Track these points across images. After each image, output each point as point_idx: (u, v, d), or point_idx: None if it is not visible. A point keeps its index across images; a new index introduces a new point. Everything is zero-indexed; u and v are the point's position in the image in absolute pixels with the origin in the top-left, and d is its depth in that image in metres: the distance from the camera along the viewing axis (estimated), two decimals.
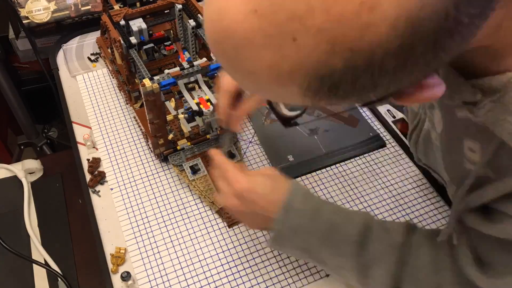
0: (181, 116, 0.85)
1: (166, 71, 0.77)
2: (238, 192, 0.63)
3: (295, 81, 0.32)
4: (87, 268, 0.82)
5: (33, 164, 0.95)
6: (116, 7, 0.88)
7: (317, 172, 0.89)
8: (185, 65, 0.77)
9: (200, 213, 0.83)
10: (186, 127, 0.83)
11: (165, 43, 0.91)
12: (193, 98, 0.77)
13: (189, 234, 0.80)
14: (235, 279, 0.75)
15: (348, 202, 0.85)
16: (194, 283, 0.75)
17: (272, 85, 0.34)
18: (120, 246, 0.78)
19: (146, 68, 0.79)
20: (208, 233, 0.80)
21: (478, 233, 0.54)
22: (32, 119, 1.48)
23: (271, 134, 0.94)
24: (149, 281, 0.75)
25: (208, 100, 0.77)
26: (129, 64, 0.85)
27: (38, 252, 0.83)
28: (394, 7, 0.28)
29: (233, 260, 0.77)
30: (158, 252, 0.78)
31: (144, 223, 0.82)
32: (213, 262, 0.77)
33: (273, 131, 0.94)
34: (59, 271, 0.81)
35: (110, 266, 0.76)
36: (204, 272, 0.76)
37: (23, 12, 1.13)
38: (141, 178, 0.88)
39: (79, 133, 0.95)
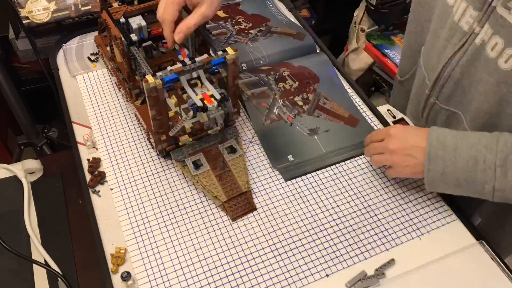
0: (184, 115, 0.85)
1: (169, 67, 0.77)
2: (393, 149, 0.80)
3: None
4: (87, 268, 0.82)
5: (33, 164, 0.95)
6: (115, 4, 0.88)
7: (317, 172, 0.89)
8: (187, 61, 0.78)
9: (200, 213, 0.83)
10: (187, 123, 0.84)
11: (163, 41, 0.91)
12: (197, 94, 0.78)
13: (189, 234, 0.80)
14: (235, 279, 0.75)
15: (348, 202, 0.85)
16: (194, 283, 0.75)
17: None
18: (120, 246, 0.78)
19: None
20: (208, 233, 0.81)
21: None
22: (32, 119, 1.48)
23: (271, 134, 0.94)
24: (149, 281, 0.75)
25: (212, 96, 0.77)
26: (129, 61, 0.85)
27: (38, 252, 0.83)
28: None
29: (233, 260, 0.77)
30: (158, 252, 0.78)
31: (144, 223, 0.82)
32: (213, 262, 0.77)
33: (273, 131, 0.94)
34: (59, 271, 0.81)
35: (110, 266, 0.76)
36: (204, 272, 0.76)
37: (23, 12, 1.13)
38: (141, 178, 0.88)
39: (79, 133, 0.95)
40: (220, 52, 0.79)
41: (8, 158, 1.59)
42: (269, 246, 0.79)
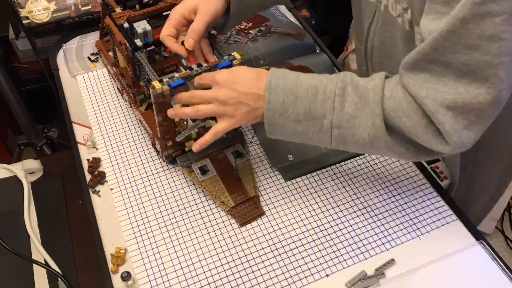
0: (191, 122, 0.85)
1: (176, 74, 0.77)
2: (221, 80, 0.71)
3: None
4: (87, 268, 0.82)
5: (33, 164, 0.95)
6: (118, 9, 0.88)
7: (317, 172, 0.89)
8: (194, 66, 0.77)
9: (200, 213, 0.83)
10: (193, 130, 0.83)
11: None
12: None
13: (189, 234, 0.80)
14: (235, 279, 0.75)
15: (348, 202, 0.85)
16: (194, 283, 0.75)
17: None
18: (120, 246, 0.78)
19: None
20: (208, 233, 0.81)
21: None
22: (32, 119, 1.48)
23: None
24: (149, 281, 0.75)
25: None
26: (134, 67, 0.84)
27: (38, 252, 0.83)
28: None
29: (233, 260, 0.77)
30: (158, 252, 0.78)
31: (144, 223, 0.82)
32: (213, 262, 0.77)
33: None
34: (59, 271, 0.81)
35: (110, 266, 0.76)
36: (204, 272, 0.76)
37: (23, 12, 1.13)
38: (141, 178, 0.88)
39: (79, 133, 0.95)
40: (226, 56, 0.78)
41: (8, 158, 1.59)
42: (269, 246, 0.79)
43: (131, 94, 0.90)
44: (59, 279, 0.80)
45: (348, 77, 0.68)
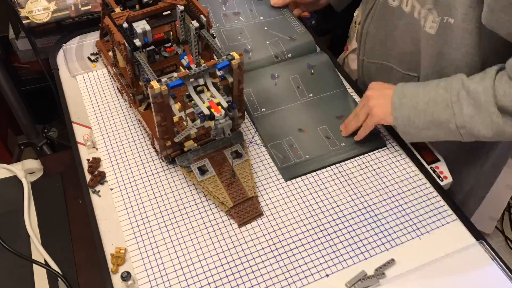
0: (190, 122, 0.85)
1: (175, 74, 0.77)
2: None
3: None
4: (87, 268, 0.82)
5: (33, 164, 0.95)
6: (117, 9, 0.88)
7: (317, 172, 0.89)
8: (193, 66, 0.77)
9: (200, 213, 0.83)
10: (192, 130, 0.83)
11: (166, 45, 0.91)
12: (203, 102, 0.77)
13: (189, 234, 0.80)
14: (235, 279, 0.75)
15: (348, 202, 0.85)
16: (194, 283, 0.75)
17: None
18: (120, 246, 0.78)
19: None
20: (208, 233, 0.81)
21: None
22: (32, 119, 1.48)
23: (273, 135, 0.94)
24: (149, 281, 0.75)
25: (219, 104, 0.76)
26: (133, 67, 0.84)
27: (38, 252, 0.83)
28: None
29: (233, 260, 0.77)
30: (158, 252, 0.78)
31: (144, 223, 0.82)
32: (213, 262, 0.77)
33: (276, 131, 0.94)
34: (59, 271, 0.81)
35: (110, 266, 0.76)
36: (204, 272, 0.76)
37: (23, 12, 1.13)
38: (141, 178, 0.88)
39: (79, 133, 0.95)
40: (225, 56, 0.78)
41: (8, 158, 1.59)
42: (269, 246, 0.79)
43: (130, 94, 0.90)
44: (59, 279, 0.80)
45: (460, 83, 0.77)
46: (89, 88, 1.04)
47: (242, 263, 0.77)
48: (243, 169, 0.86)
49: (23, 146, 1.52)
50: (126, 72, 0.87)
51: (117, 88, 1.01)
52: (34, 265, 0.82)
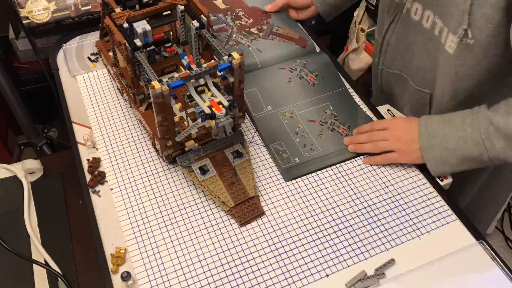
0: (191, 122, 0.85)
1: (176, 74, 0.77)
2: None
3: None
4: (87, 268, 0.83)
5: (33, 164, 0.95)
6: (118, 10, 0.88)
7: (317, 172, 0.89)
8: (194, 67, 0.77)
9: (200, 213, 0.83)
10: (193, 129, 0.83)
11: (166, 45, 0.91)
12: (204, 101, 0.77)
13: (189, 234, 0.80)
14: (235, 279, 0.75)
15: (348, 202, 0.85)
16: (194, 283, 0.75)
17: None
18: (120, 246, 0.78)
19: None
20: (208, 233, 0.81)
21: None
22: (32, 119, 1.48)
23: (274, 135, 0.94)
24: (149, 281, 0.75)
25: (220, 103, 0.76)
26: (134, 67, 0.84)
27: (38, 252, 0.83)
28: None
29: (233, 260, 0.77)
30: (158, 252, 0.78)
31: (144, 223, 0.82)
32: (213, 262, 0.77)
33: (277, 131, 0.94)
34: (59, 271, 0.81)
35: (110, 266, 0.76)
36: (204, 272, 0.76)
37: (23, 12, 1.13)
38: (141, 178, 0.88)
39: (79, 133, 0.95)
40: (225, 57, 0.78)
41: (8, 158, 1.59)
42: (269, 246, 0.79)
43: (131, 94, 0.90)
44: (59, 279, 0.80)
45: (487, 120, 0.79)
46: (89, 88, 1.04)
47: (242, 263, 0.77)
48: (244, 168, 0.86)
49: (23, 146, 1.52)
50: (126, 72, 0.87)
51: (118, 88, 1.01)
52: (34, 265, 0.82)
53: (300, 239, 0.80)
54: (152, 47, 0.87)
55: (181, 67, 0.90)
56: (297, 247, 0.79)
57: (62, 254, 0.84)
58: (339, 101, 1.01)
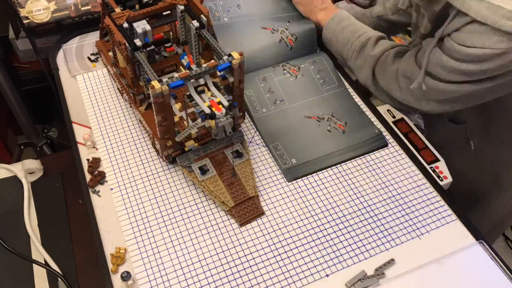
0: (191, 122, 0.85)
1: (176, 74, 0.77)
2: None
3: None
4: (87, 268, 0.83)
5: (33, 164, 0.95)
6: (117, 9, 0.88)
7: (317, 172, 0.89)
8: (193, 67, 0.77)
9: (200, 213, 0.83)
10: (193, 129, 0.83)
11: (166, 45, 0.91)
12: (204, 101, 0.77)
13: (189, 234, 0.80)
14: (235, 279, 0.75)
15: (348, 202, 0.85)
16: (194, 283, 0.75)
17: None
18: (120, 246, 0.78)
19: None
20: (208, 233, 0.81)
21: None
22: (32, 119, 1.48)
23: (275, 135, 0.94)
24: (149, 281, 0.75)
25: (220, 103, 0.76)
26: (134, 67, 0.84)
27: (38, 252, 0.84)
28: None
29: (233, 260, 0.77)
30: (158, 252, 0.78)
31: (144, 223, 0.82)
32: (213, 262, 0.77)
33: (278, 131, 0.94)
34: (59, 271, 0.81)
35: (110, 266, 0.76)
36: (204, 272, 0.76)
37: (23, 12, 1.13)
38: (141, 178, 0.88)
39: (79, 133, 0.95)
40: (225, 57, 0.78)
41: (8, 158, 1.59)
42: (269, 246, 0.79)
43: (131, 94, 0.90)
44: (59, 279, 0.80)
45: (372, 42, 0.97)
46: (89, 88, 1.04)
47: (242, 263, 0.77)
48: (244, 168, 0.86)
49: (23, 146, 1.51)
50: (126, 72, 0.87)
51: (117, 88, 1.01)
52: (34, 265, 0.82)
53: (300, 239, 0.80)
54: (152, 47, 0.87)
55: (181, 67, 0.90)
56: (297, 247, 0.79)
57: (62, 254, 0.84)
58: (339, 101, 1.01)
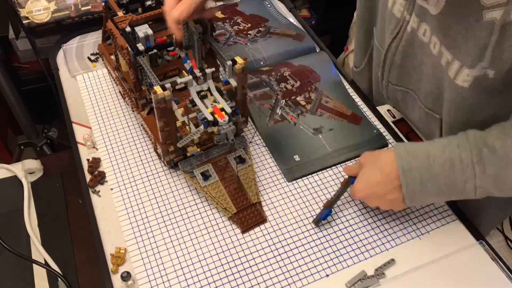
0: (193, 127, 0.85)
1: (179, 80, 0.77)
2: (362, 198, 0.78)
3: None
4: (87, 268, 0.82)
5: (33, 164, 0.95)
6: (120, 13, 0.87)
7: (318, 172, 0.89)
8: (197, 72, 0.77)
9: (200, 213, 0.83)
10: (195, 135, 0.83)
11: (168, 49, 0.91)
12: (207, 107, 0.77)
13: (189, 234, 0.80)
14: (235, 279, 0.75)
15: (348, 202, 0.85)
16: (194, 283, 0.75)
17: None
18: (120, 246, 0.78)
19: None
20: (208, 233, 0.81)
21: None
22: (32, 119, 1.48)
23: (276, 135, 0.94)
24: (149, 281, 0.75)
25: (222, 109, 0.76)
26: (136, 72, 0.84)
27: (38, 252, 0.83)
28: None
29: (233, 260, 0.77)
30: (158, 252, 0.78)
31: (144, 223, 0.82)
32: (213, 262, 0.77)
33: (278, 132, 0.94)
34: (59, 271, 0.81)
35: (110, 266, 0.76)
36: (204, 272, 0.76)
37: (23, 12, 1.13)
38: (141, 178, 0.88)
39: (79, 133, 0.95)
40: (229, 62, 0.78)
41: (8, 158, 1.59)
42: (269, 246, 0.79)
43: (133, 99, 0.90)
44: (59, 279, 0.80)
45: (481, 141, 0.69)
46: (89, 88, 1.04)
47: (242, 263, 0.77)
48: (247, 174, 0.85)
49: (23, 146, 1.52)
50: (128, 76, 0.87)
51: (120, 92, 1.01)
52: (34, 265, 0.82)
53: (300, 239, 0.80)
54: (155, 51, 0.87)
55: (184, 71, 0.90)
56: (297, 247, 0.79)
57: (62, 254, 0.84)
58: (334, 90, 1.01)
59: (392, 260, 0.77)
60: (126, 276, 0.72)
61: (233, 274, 0.76)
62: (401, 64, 0.88)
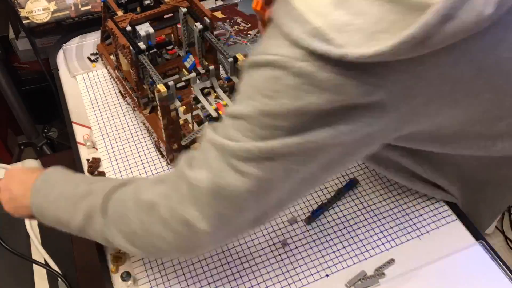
0: (196, 125, 0.85)
1: (184, 77, 0.77)
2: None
3: None
4: (87, 268, 0.82)
5: (33, 164, 0.95)
6: (119, 13, 0.87)
7: None
8: (200, 69, 0.77)
9: None
10: (199, 133, 0.83)
11: (168, 47, 0.91)
12: (211, 104, 0.77)
13: None
14: (235, 279, 0.75)
15: (348, 202, 0.85)
16: (194, 283, 0.75)
17: None
18: None
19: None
20: None
21: None
22: (32, 119, 1.48)
23: None
24: (149, 281, 0.75)
25: (226, 105, 0.76)
26: (138, 70, 0.84)
27: (38, 252, 0.84)
28: None
29: (233, 260, 0.77)
30: None
31: None
32: (213, 262, 0.77)
33: None
34: (59, 271, 0.81)
35: (110, 266, 0.76)
36: (204, 272, 0.76)
37: (23, 12, 1.13)
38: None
39: (79, 133, 0.95)
40: (230, 59, 0.78)
41: (8, 158, 1.59)
42: (269, 246, 0.79)
43: (134, 98, 0.90)
44: (59, 279, 0.80)
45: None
46: (89, 88, 1.04)
47: (242, 263, 0.77)
48: None
49: (23, 146, 1.51)
50: (130, 75, 0.87)
51: (120, 92, 1.01)
52: (34, 265, 0.82)
53: (300, 239, 0.80)
54: (154, 49, 0.87)
55: (183, 69, 0.90)
56: (297, 247, 0.79)
57: (62, 254, 0.84)
58: None
59: (392, 260, 0.77)
60: (126, 276, 0.72)
61: (233, 274, 0.76)
62: None
